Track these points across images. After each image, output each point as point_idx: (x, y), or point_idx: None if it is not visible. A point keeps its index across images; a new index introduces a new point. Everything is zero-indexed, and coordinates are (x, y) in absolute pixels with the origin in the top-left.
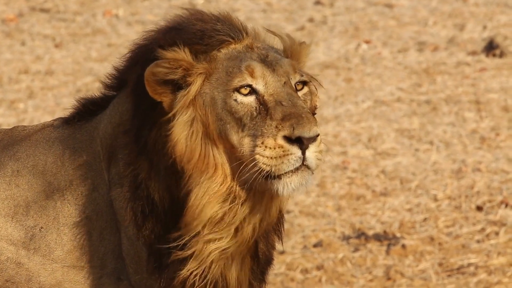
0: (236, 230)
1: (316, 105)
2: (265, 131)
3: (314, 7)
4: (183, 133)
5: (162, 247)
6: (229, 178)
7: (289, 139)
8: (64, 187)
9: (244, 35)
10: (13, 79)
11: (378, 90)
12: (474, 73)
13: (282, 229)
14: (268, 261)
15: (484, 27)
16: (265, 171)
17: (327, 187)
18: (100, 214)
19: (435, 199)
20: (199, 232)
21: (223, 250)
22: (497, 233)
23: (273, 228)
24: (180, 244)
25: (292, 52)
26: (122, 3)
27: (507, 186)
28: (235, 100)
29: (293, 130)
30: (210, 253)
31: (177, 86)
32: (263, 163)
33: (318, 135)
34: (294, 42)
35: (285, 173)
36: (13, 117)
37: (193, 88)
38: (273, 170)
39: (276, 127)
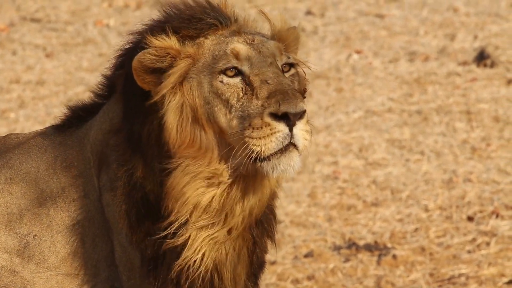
0: (226, 216)
1: (306, 88)
2: (251, 111)
3: (305, 17)
4: (174, 119)
5: (156, 239)
6: (215, 162)
7: (275, 116)
8: (56, 194)
9: (232, 20)
10: (4, 88)
11: (369, 100)
12: (465, 83)
13: (275, 231)
14: (261, 265)
15: (475, 37)
16: (255, 152)
17: (318, 197)
18: (92, 221)
19: (426, 209)
20: (188, 220)
21: (214, 237)
22: (488, 244)
23: (265, 230)
24: (170, 233)
25: (281, 36)
26: (113, 13)
27: (498, 196)
28: (221, 81)
29: (279, 106)
30: (202, 241)
31: (164, 73)
32: (253, 144)
33: (304, 111)
34: (284, 26)
35: (274, 153)
36: (4, 127)
37: (178, 68)
38: (262, 149)
39: (262, 105)
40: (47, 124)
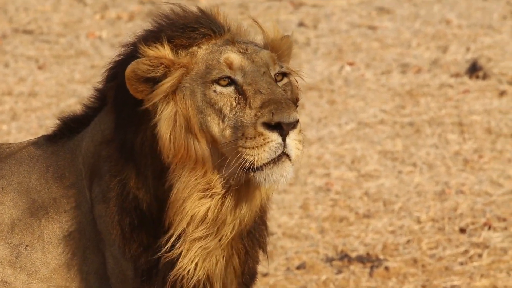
0: (219, 227)
1: (298, 97)
2: (245, 121)
3: (297, 29)
4: (167, 128)
5: (152, 258)
6: (209, 172)
7: (268, 126)
8: (48, 204)
9: (226, 29)
10: None
11: (362, 112)
12: (457, 95)
13: (266, 242)
14: (253, 276)
15: (467, 49)
16: (248, 162)
17: (310, 209)
18: (83, 232)
19: (418, 221)
20: (184, 231)
21: (206, 247)
22: (480, 255)
23: (257, 240)
24: (168, 247)
25: (274, 45)
26: (105, 25)
27: (490, 208)
28: (214, 91)
29: (273, 115)
30: (196, 251)
31: (158, 83)
32: (246, 154)
33: (298, 121)
34: (277, 35)
35: (267, 163)
36: None
37: (171, 78)
38: (256, 159)
39: (255, 115)
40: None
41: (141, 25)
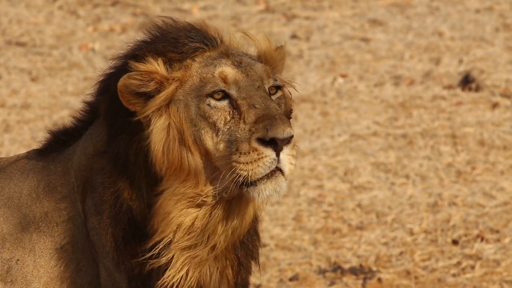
0: (209, 236)
1: (292, 109)
2: (239, 135)
3: (290, 41)
4: (160, 140)
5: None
6: (201, 184)
7: (263, 141)
8: (39, 219)
9: (219, 42)
10: None
11: (354, 124)
12: (450, 107)
13: (259, 253)
14: (245, 286)
15: (460, 61)
16: (242, 177)
17: (303, 221)
18: (76, 245)
19: (411, 232)
20: (171, 240)
21: (196, 256)
22: (473, 267)
23: (250, 251)
24: (155, 253)
25: (267, 57)
26: (98, 37)
27: (483, 220)
28: (208, 104)
29: (267, 131)
30: (184, 261)
31: (150, 96)
32: (240, 169)
33: (292, 137)
34: (270, 47)
35: (261, 178)
36: None
37: (164, 93)
38: (250, 174)
39: (250, 130)
40: (32, 148)
41: (134, 37)
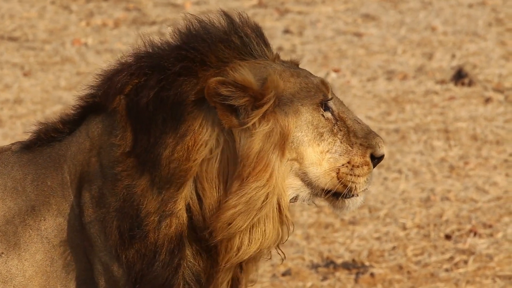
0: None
1: None
2: (351, 149)
3: (283, 35)
4: (259, 144)
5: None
6: (276, 190)
7: (372, 157)
8: (25, 212)
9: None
10: None
11: None
12: (443, 102)
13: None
14: None
15: (453, 56)
16: (350, 189)
17: (295, 216)
18: (64, 240)
19: (404, 227)
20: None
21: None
22: (466, 262)
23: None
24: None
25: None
26: (91, 31)
27: (476, 214)
28: (322, 114)
29: (379, 148)
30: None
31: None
32: (349, 181)
33: None
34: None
35: (362, 191)
36: None
37: (266, 107)
38: (356, 187)
39: (361, 144)
40: (17, 141)
41: (127, 32)
